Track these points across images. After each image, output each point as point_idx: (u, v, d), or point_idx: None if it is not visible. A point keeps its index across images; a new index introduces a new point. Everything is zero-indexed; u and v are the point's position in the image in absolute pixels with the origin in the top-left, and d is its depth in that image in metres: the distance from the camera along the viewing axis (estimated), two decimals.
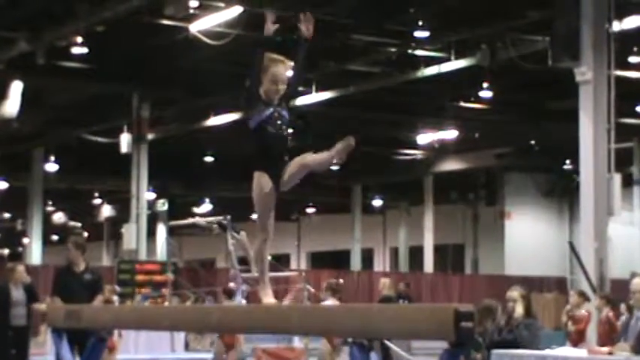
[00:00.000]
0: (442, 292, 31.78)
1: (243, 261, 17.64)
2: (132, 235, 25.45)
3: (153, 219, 31.94)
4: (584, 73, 15.41)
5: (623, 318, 12.64)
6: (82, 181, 34.44)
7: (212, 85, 23.61)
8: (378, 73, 22.10)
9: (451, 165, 32.61)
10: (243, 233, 17.17)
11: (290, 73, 6.16)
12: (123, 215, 30.70)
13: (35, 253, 31.04)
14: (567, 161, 30.56)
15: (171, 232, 34.16)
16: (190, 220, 20.82)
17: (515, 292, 10.74)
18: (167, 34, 19.56)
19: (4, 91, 21.56)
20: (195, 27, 18.35)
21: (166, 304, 19.79)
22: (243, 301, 17.00)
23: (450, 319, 4.87)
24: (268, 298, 6.23)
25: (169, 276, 23.10)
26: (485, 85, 22.47)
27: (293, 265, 41.28)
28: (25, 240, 34.11)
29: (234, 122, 25.87)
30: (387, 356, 15.56)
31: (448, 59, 20.74)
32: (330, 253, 41.04)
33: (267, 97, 6.11)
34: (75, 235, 11.76)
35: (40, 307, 12.16)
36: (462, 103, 25.10)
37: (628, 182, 24.95)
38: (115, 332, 14.81)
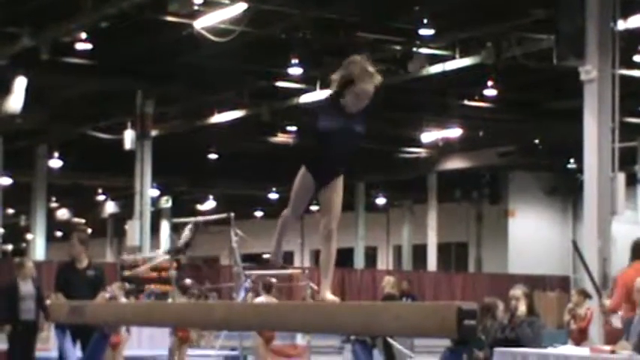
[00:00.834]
0: (445, 291, 31.76)
1: (247, 258, 17.67)
2: (136, 232, 25.46)
3: (157, 216, 31.99)
4: (588, 71, 15.39)
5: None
6: (86, 178, 34.46)
7: (216, 82, 23.62)
8: (383, 71, 22.08)
9: (455, 163, 32.59)
10: None
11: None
12: (127, 212, 30.74)
13: (39, 249, 31.07)
14: (571, 160, 30.54)
15: (175, 229, 34.27)
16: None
17: (518, 291, 10.73)
18: (171, 31, 19.55)
19: (8, 87, 21.57)
20: (200, 24, 18.33)
21: (170, 300, 19.78)
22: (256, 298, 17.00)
23: (452, 316, 4.87)
24: (274, 259, 6.30)
25: (171, 272, 23.11)
26: (489, 83, 22.45)
27: (297, 262, 41.30)
28: (29, 236, 34.15)
29: (238, 119, 25.91)
30: (389, 354, 15.57)
31: (453, 57, 20.73)
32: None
33: (346, 107, 5.84)
34: (79, 231, 11.72)
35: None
36: (467, 102, 25.08)
37: (632, 181, 24.92)
38: (123, 329, 14.80)
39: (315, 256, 43.34)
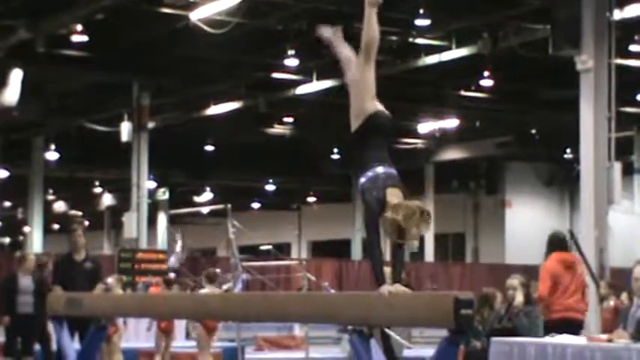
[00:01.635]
0: (443, 281, 31.75)
1: (244, 250, 17.68)
2: (132, 224, 25.44)
3: (154, 208, 31.95)
4: (584, 61, 15.39)
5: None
6: (83, 170, 34.44)
7: (212, 74, 23.61)
8: (379, 61, 22.06)
9: (452, 154, 32.60)
10: None
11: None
12: (123, 204, 30.70)
13: (36, 242, 31.05)
14: (568, 150, 30.55)
15: (172, 220, 34.25)
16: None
17: (515, 281, 10.75)
18: (167, 23, 19.53)
19: (4, 80, 21.53)
20: (196, 15, 18.31)
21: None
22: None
23: (449, 306, 4.89)
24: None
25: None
26: (486, 73, 22.44)
27: (294, 254, 41.31)
28: (26, 229, 34.12)
29: (234, 111, 25.90)
30: (387, 344, 15.58)
31: (449, 48, 20.72)
32: (331, 242, 41.03)
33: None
34: (80, 223, 11.83)
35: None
36: (463, 92, 25.09)
37: (628, 171, 24.93)
38: (120, 321, 14.81)
39: (313, 247, 43.38)
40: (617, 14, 15.90)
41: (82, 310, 7.62)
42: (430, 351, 10.73)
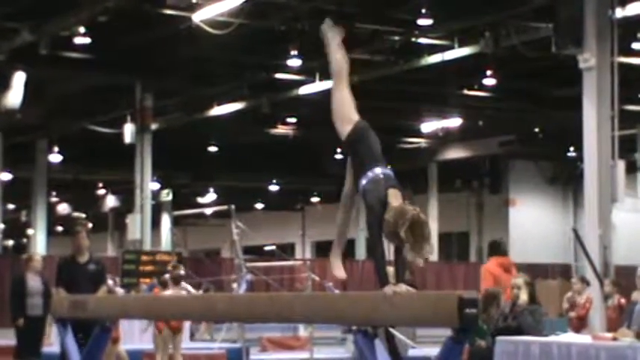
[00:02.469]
0: (447, 281, 31.78)
1: (248, 250, 17.68)
2: (136, 226, 25.46)
3: (157, 209, 31.97)
4: (587, 59, 15.39)
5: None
6: (86, 172, 34.46)
7: (215, 75, 23.61)
8: (382, 61, 22.08)
9: (455, 153, 32.58)
10: None
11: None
12: (127, 205, 30.73)
13: (40, 244, 31.06)
14: (571, 148, 30.52)
15: (176, 222, 34.27)
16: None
17: (519, 279, 10.77)
18: (170, 24, 19.54)
19: (7, 82, 21.56)
20: (199, 16, 18.32)
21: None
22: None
23: (454, 305, 4.89)
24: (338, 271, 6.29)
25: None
26: (488, 72, 22.42)
27: (298, 254, 41.30)
28: (30, 231, 34.14)
29: (237, 111, 25.91)
30: (391, 344, 15.58)
31: (452, 47, 20.71)
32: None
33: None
34: (84, 225, 11.79)
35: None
36: (466, 91, 25.06)
37: (632, 169, 24.91)
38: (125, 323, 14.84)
39: (317, 247, 43.37)
40: (620, 12, 15.89)
41: (87, 313, 7.63)
42: (435, 350, 10.72)
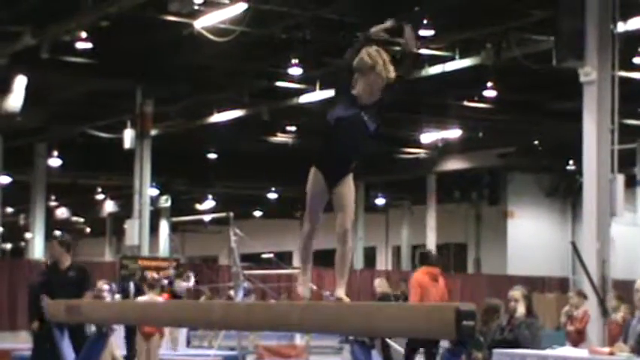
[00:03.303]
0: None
1: (246, 258, 17.65)
2: (134, 231, 25.45)
3: (156, 215, 31.98)
4: (588, 73, 15.38)
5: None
6: (85, 177, 34.46)
7: (216, 82, 23.62)
8: None
9: (454, 164, 32.59)
10: None
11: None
12: (126, 211, 30.72)
13: (38, 248, 31.07)
14: (570, 161, 30.54)
15: (174, 228, 34.25)
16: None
17: (517, 292, 10.73)
18: (171, 30, 19.55)
19: (8, 86, 21.57)
20: (200, 23, 18.34)
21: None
22: (249, 298, 17.00)
23: (451, 317, 4.87)
24: (302, 289, 6.29)
25: (170, 272, 23.11)
26: (489, 84, 22.45)
27: (296, 262, 41.26)
28: (28, 235, 34.13)
29: (237, 119, 25.92)
30: (388, 355, 15.58)
31: (453, 58, 20.73)
32: (333, 251, 40.90)
33: (360, 98, 5.98)
34: (59, 237, 12.00)
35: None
36: (466, 103, 25.08)
37: (631, 183, 24.90)
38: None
39: (314, 255, 43.32)
40: (621, 26, 15.88)
41: (81, 317, 7.61)
42: None
